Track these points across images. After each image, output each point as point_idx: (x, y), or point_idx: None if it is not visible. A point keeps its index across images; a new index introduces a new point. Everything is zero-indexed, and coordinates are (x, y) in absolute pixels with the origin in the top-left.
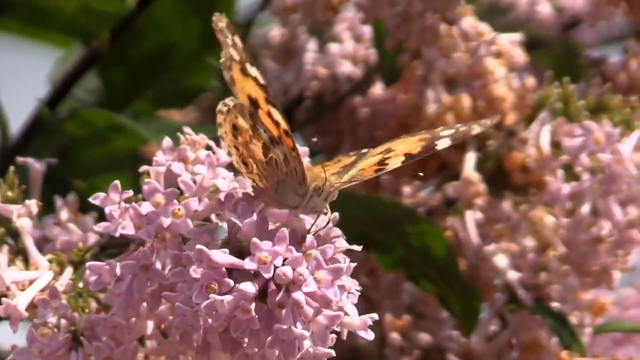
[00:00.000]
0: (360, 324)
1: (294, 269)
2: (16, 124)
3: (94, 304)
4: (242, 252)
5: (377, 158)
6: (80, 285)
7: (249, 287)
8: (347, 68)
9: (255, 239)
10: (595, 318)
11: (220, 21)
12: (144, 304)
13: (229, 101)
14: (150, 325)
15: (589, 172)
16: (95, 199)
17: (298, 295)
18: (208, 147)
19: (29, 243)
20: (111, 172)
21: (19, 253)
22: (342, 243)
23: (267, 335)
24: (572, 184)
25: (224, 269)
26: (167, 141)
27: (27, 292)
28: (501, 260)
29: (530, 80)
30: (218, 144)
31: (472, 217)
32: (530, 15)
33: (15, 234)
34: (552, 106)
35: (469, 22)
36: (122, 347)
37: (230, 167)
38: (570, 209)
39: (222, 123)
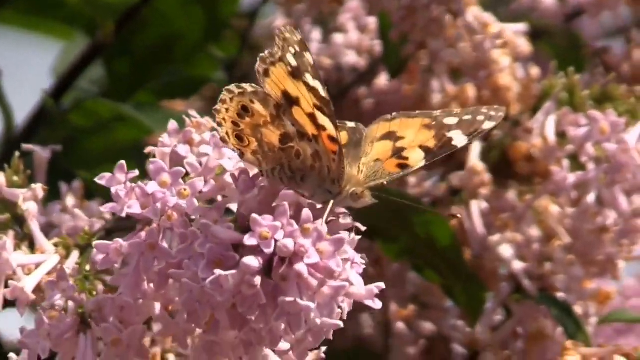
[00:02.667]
0: (367, 294)
1: (295, 242)
2: (18, 116)
3: (101, 287)
4: (248, 228)
5: (388, 146)
6: (87, 268)
7: (253, 262)
8: (351, 58)
9: (254, 215)
10: (600, 308)
11: (287, 32)
12: (151, 285)
13: (246, 85)
14: (157, 307)
15: (594, 161)
16: (101, 179)
17: (300, 267)
18: (213, 130)
19: (35, 227)
20: (115, 163)
21: (25, 238)
22: (347, 219)
23: (273, 309)
24: (578, 173)
25: (229, 244)
26: (172, 124)
27: (33, 275)
28: (506, 250)
29: (535, 70)
30: None
31: (477, 207)
32: (533, 5)
33: (20, 220)
34: (557, 96)
35: (474, 12)
36: (131, 328)
37: None
38: (576, 198)
39: (226, 100)
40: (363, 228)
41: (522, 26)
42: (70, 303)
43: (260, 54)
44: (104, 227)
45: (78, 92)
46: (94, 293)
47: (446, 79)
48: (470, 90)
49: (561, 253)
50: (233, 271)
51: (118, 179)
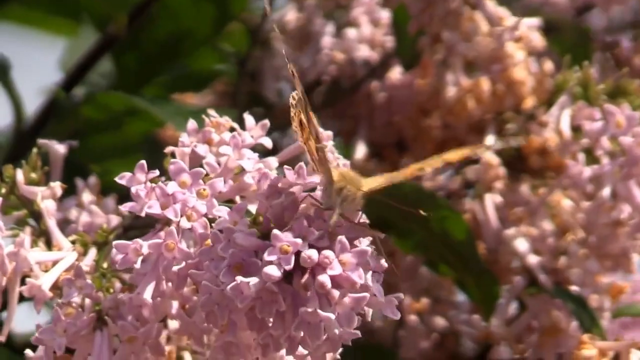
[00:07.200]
0: (386, 303)
1: (319, 252)
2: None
3: (117, 284)
4: (269, 233)
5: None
6: (105, 265)
7: (274, 271)
8: (364, 53)
9: (276, 231)
10: (614, 301)
11: None
12: (169, 284)
13: (295, 94)
14: (174, 305)
15: (609, 155)
16: (122, 179)
17: (323, 278)
18: (232, 130)
19: (52, 225)
20: (125, 157)
21: (42, 234)
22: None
23: (292, 316)
24: (593, 167)
25: (251, 250)
26: (191, 123)
27: (51, 273)
28: (521, 244)
29: (549, 65)
30: (242, 126)
31: (491, 200)
32: None
33: (37, 215)
34: (571, 90)
35: (491, 6)
36: (147, 326)
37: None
38: (591, 192)
39: (294, 117)
40: (381, 235)
41: (536, 21)
42: (87, 300)
43: None
44: (121, 224)
45: (87, 86)
46: (111, 291)
47: (461, 73)
48: (485, 84)
49: (575, 247)
50: (254, 278)
51: (138, 178)
